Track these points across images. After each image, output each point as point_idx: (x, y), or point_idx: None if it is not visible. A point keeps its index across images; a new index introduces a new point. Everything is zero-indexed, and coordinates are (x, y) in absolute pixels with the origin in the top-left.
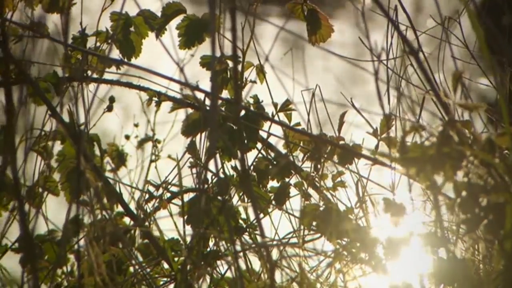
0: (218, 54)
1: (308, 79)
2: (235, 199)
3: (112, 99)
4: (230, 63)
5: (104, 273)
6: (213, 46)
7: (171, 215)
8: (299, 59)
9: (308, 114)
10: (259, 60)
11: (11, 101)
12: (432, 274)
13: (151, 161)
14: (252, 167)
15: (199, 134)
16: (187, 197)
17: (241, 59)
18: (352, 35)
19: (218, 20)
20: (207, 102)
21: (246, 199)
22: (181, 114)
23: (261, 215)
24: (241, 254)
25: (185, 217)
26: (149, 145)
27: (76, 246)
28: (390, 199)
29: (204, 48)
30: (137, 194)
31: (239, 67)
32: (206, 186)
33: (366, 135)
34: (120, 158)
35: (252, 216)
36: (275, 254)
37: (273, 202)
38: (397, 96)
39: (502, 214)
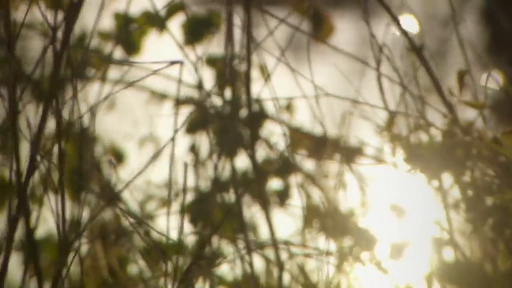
0: (221, 52)
1: (313, 74)
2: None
3: (113, 98)
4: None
5: (106, 273)
6: (231, 46)
7: (173, 214)
8: (303, 54)
9: (312, 114)
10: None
11: (15, 101)
12: (436, 274)
13: (152, 160)
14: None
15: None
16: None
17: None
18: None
19: (219, 18)
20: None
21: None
22: (183, 113)
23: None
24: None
25: (186, 217)
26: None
27: (77, 246)
28: (392, 199)
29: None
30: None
31: (243, 66)
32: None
33: (370, 132)
34: (120, 157)
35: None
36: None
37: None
38: (400, 94)
39: (508, 213)
